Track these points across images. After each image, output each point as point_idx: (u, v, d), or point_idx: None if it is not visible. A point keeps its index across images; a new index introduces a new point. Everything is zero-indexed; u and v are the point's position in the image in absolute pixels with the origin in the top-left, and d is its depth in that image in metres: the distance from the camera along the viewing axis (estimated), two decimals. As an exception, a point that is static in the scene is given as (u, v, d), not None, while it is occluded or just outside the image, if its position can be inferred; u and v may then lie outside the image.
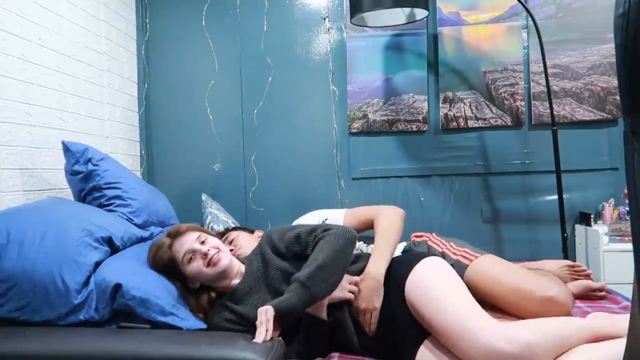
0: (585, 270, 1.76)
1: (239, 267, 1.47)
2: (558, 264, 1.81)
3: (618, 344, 1.17)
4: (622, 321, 1.30)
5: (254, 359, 1.10)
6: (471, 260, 1.54)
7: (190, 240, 1.43)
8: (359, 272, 1.45)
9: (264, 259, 1.44)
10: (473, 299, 1.30)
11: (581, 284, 1.71)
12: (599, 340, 1.26)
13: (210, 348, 1.18)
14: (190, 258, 1.41)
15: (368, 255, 1.49)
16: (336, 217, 1.72)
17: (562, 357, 1.17)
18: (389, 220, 1.58)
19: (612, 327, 1.29)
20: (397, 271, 1.41)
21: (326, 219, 1.73)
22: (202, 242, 1.43)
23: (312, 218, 1.79)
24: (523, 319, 1.36)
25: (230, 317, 1.37)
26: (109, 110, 2.40)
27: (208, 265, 1.39)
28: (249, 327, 1.31)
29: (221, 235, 1.92)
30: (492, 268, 1.50)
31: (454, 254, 1.59)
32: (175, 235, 1.46)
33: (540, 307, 1.36)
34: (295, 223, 1.86)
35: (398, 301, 1.35)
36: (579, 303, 1.64)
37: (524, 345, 1.11)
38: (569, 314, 1.40)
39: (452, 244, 1.66)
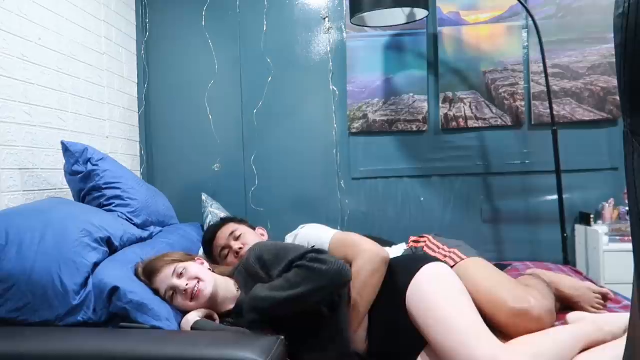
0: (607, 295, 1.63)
1: (228, 287, 1.43)
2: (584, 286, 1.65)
3: (612, 349, 1.17)
4: (606, 324, 1.29)
5: (254, 359, 1.10)
6: (456, 262, 1.51)
7: (167, 276, 1.39)
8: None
9: (254, 280, 1.39)
10: (476, 313, 1.27)
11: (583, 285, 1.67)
12: (588, 347, 1.24)
13: (210, 348, 1.18)
14: (172, 294, 1.38)
15: None
16: (322, 245, 1.57)
17: None
18: (357, 273, 1.39)
19: (598, 332, 1.27)
20: (397, 277, 1.39)
21: (313, 246, 1.61)
22: (180, 275, 1.38)
23: (301, 238, 1.67)
24: (498, 329, 1.31)
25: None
26: (109, 110, 2.41)
27: (191, 299, 1.36)
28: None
29: (219, 226, 1.87)
30: (473, 273, 1.44)
31: (444, 256, 1.57)
32: (150, 275, 1.41)
33: (512, 319, 1.30)
34: (288, 237, 1.77)
35: (399, 308, 1.33)
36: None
37: None
38: (545, 326, 1.33)
39: (445, 246, 1.62)
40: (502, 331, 1.33)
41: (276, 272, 1.32)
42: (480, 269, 1.48)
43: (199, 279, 1.37)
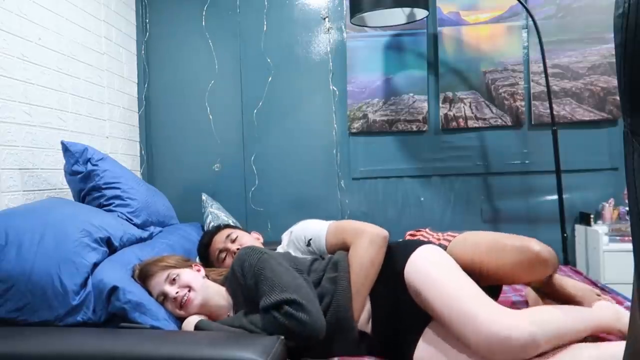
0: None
1: (221, 295, 1.42)
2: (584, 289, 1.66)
3: (616, 346, 1.17)
4: (627, 317, 1.29)
5: (254, 359, 1.10)
6: (450, 241, 1.53)
7: (159, 282, 1.40)
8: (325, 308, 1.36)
9: (241, 292, 1.39)
10: (474, 284, 1.28)
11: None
12: (603, 331, 1.25)
13: (210, 348, 1.17)
14: (163, 299, 1.39)
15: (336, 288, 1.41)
16: (319, 235, 1.62)
17: (560, 353, 1.16)
18: (362, 253, 1.44)
19: (617, 322, 1.28)
20: (395, 259, 1.41)
21: (310, 239, 1.64)
22: (173, 281, 1.39)
23: (298, 235, 1.71)
24: (505, 282, 1.33)
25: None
26: (109, 110, 2.41)
27: (180, 308, 1.37)
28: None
29: (215, 231, 1.89)
30: (471, 237, 1.48)
31: (438, 239, 1.59)
32: (145, 278, 1.42)
33: (516, 257, 1.32)
34: (284, 236, 1.82)
35: (397, 289, 1.35)
36: None
37: (528, 336, 1.11)
38: (547, 268, 1.35)
39: (439, 233, 1.66)
40: (508, 275, 1.35)
41: (254, 298, 1.31)
42: (477, 233, 1.51)
43: (190, 288, 1.38)
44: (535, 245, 1.32)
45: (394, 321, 1.36)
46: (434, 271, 1.30)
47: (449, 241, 1.55)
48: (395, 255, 1.42)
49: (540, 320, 1.17)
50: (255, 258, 1.34)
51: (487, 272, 1.38)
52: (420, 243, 1.44)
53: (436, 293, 1.25)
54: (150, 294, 1.41)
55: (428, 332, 1.29)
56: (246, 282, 1.33)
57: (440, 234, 1.66)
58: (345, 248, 1.52)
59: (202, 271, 1.49)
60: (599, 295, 1.60)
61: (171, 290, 1.37)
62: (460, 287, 1.25)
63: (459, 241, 1.49)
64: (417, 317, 1.31)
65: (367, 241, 1.45)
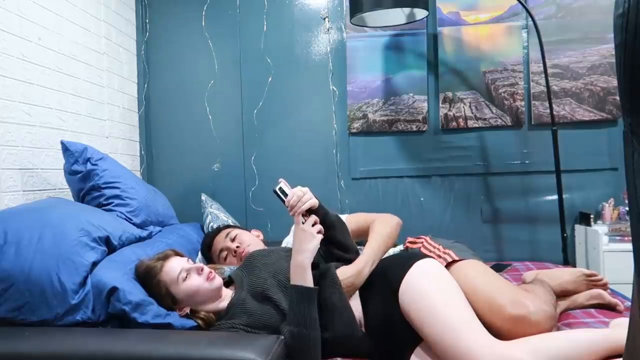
0: (601, 280, 1.64)
1: (224, 288, 1.49)
2: (573, 273, 1.68)
3: None
4: None
5: (254, 359, 1.10)
6: (449, 263, 1.51)
7: (180, 261, 1.44)
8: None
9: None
10: (469, 308, 1.27)
11: (596, 294, 1.62)
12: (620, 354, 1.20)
13: (210, 348, 1.18)
14: (186, 276, 1.40)
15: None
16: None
17: None
18: (382, 226, 1.65)
19: None
20: (391, 274, 1.40)
21: None
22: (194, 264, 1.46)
23: None
24: (495, 332, 1.28)
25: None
26: (109, 110, 2.40)
27: (207, 279, 1.40)
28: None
29: (216, 232, 1.91)
30: (472, 275, 1.43)
31: (438, 256, 1.57)
32: (164, 258, 1.45)
33: (510, 325, 1.28)
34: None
35: (393, 303, 1.34)
36: (589, 309, 1.59)
37: None
38: (542, 330, 1.30)
39: (440, 246, 1.63)
40: (500, 335, 1.30)
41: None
42: (477, 272, 1.46)
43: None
44: (532, 316, 1.27)
45: (389, 334, 1.35)
46: (427, 295, 1.29)
47: (447, 262, 1.52)
48: (391, 270, 1.41)
49: (535, 349, 1.15)
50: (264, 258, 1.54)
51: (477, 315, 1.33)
52: (417, 257, 1.42)
53: (430, 320, 1.24)
54: (154, 287, 1.41)
55: (419, 352, 1.29)
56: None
57: (441, 247, 1.64)
58: (360, 232, 1.70)
59: (206, 268, 1.51)
60: (587, 275, 1.62)
61: (195, 265, 1.45)
62: (455, 314, 1.24)
63: (455, 274, 1.44)
64: (412, 333, 1.30)
65: (386, 219, 1.68)
